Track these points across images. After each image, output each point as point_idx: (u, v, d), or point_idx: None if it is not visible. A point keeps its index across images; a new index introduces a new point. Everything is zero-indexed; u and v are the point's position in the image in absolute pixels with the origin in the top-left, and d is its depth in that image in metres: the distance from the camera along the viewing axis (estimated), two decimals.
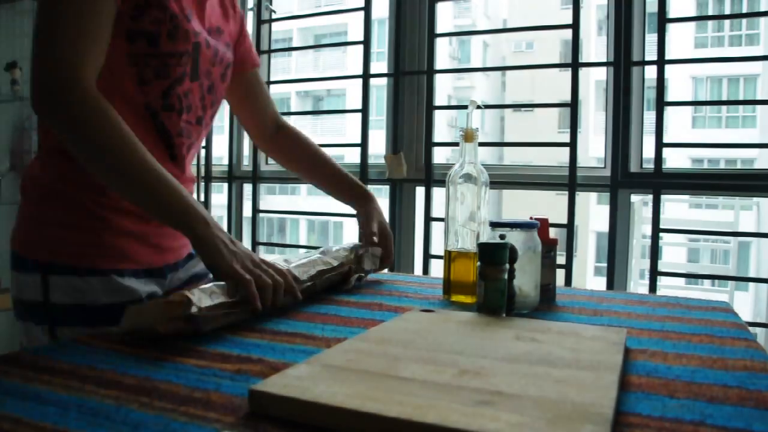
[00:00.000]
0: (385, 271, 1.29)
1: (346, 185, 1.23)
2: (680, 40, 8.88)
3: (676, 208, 7.88)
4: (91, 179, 0.89)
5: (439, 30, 2.09)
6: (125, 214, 0.93)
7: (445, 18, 9.68)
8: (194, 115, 0.99)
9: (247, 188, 2.55)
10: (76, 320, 0.87)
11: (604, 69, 1.88)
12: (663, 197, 1.81)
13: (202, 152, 2.47)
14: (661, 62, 1.75)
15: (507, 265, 0.83)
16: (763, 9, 3.39)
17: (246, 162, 2.55)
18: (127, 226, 0.93)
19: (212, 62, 0.99)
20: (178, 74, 0.92)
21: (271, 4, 2.43)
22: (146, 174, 0.82)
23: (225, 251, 0.81)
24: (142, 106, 0.91)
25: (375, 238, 1.13)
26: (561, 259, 1.86)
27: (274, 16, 2.43)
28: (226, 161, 2.55)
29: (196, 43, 0.94)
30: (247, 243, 2.56)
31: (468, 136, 1.02)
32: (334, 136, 10.97)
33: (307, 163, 1.26)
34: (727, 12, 9.90)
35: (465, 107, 1.06)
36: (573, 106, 1.87)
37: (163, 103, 0.92)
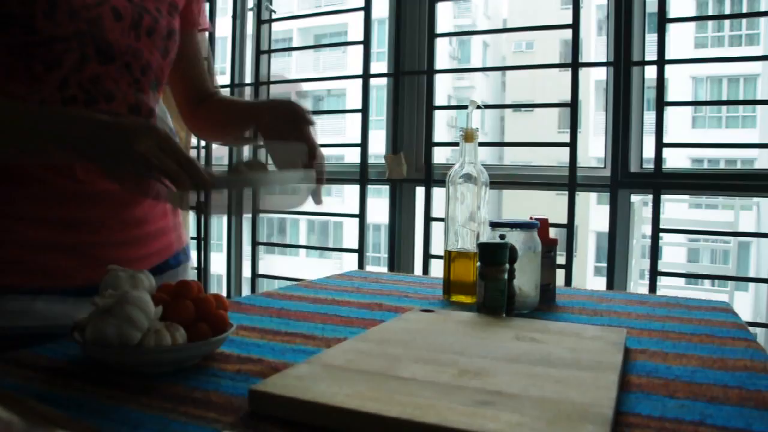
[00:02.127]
0: (385, 270, 1.28)
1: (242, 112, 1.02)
2: (680, 40, 8.88)
3: (676, 208, 7.88)
4: None
5: (439, 30, 2.09)
6: (44, 225, 0.78)
7: (445, 18, 9.68)
8: (124, 104, 0.82)
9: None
10: None
11: (604, 69, 1.88)
12: (663, 197, 1.81)
13: (202, 152, 2.47)
14: (661, 62, 1.75)
15: (507, 265, 0.83)
16: (763, 9, 3.39)
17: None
18: (45, 237, 0.78)
19: (135, 35, 0.81)
20: (73, 60, 0.75)
21: (271, 4, 2.43)
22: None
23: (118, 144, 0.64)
24: (36, 102, 0.75)
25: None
26: (561, 259, 1.86)
27: (274, 16, 2.43)
28: (226, 161, 2.55)
29: (94, 18, 0.76)
30: (247, 243, 2.56)
31: (468, 136, 1.02)
32: (334, 136, 10.97)
33: (211, 124, 1.05)
34: (727, 12, 9.90)
35: (465, 107, 1.06)
36: (573, 106, 1.87)
37: (62, 96, 0.76)
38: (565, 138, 1.87)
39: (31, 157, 0.74)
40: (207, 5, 1.03)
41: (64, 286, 0.79)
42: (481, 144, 1.07)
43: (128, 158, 0.64)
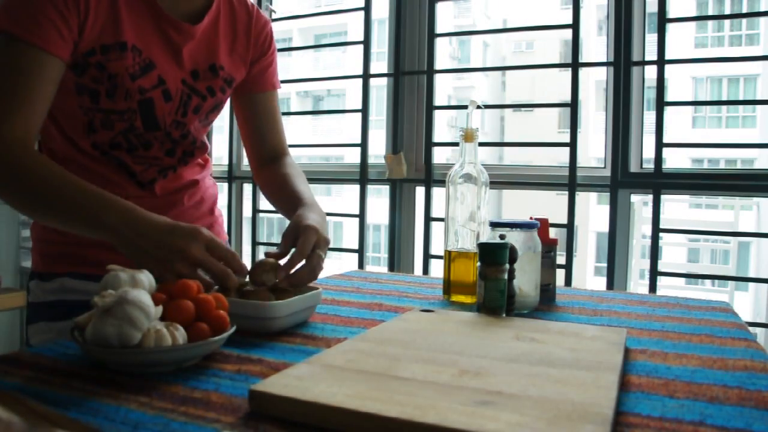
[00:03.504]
0: (385, 270, 1.28)
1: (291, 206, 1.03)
2: (680, 40, 8.89)
3: (676, 208, 7.88)
4: None
5: (439, 30, 2.09)
6: None
7: (445, 18, 9.68)
8: (160, 150, 0.99)
9: (247, 188, 2.55)
10: (39, 317, 0.98)
11: (604, 69, 1.88)
12: (663, 197, 1.81)
13: None
14: (661, 62, 1.75)
15: (507, 265, 0.83)
16: (763, 9, 3.39)
17: (246, 162, 2.55)
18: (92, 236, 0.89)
19: (181, 112, 0.98)
20: (124, 128, 0.95)
21: (271, 4, 2.43)
22: (58, 210, 0.82)
23: (145, 260, 0.76)
24: (90, 146, 0.96)
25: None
26: (561, 259, 1.86)
27: (274, 16, 2.43)
28: (226, 161, 2.55)
29: (145, 100, 0.94)
30: (247, 243, 2.56)
31: (468, 136, 1.02)
32: (334, 136, 10.97)
33: (276, 198, 1.11)
34: (727, 12, 9.90)
35: (465, 107, 1.06)
36: (573, 106, 1.87)
37: (110, 143, 0.96)
38: (565, 138, 1.87)
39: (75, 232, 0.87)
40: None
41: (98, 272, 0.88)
42: (481, 144, 1.07)
43: (182, 260, 0.74)
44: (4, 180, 0.83)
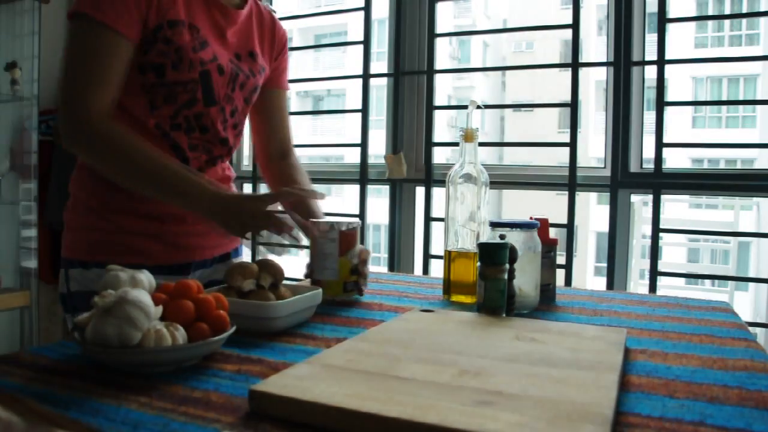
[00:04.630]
0: (385, 270, 1.29)
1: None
2: (680, 40, 8.88)
3: (676, 208, 7.87)
4: (99, 186, 1.02)
5: (439, 30, 2.09)
6: (137, 217, 1.03)
7: (445, 18, 9.68)
8: (214, 136, 1.07)
9: (247, 188, 2.55)
10: (86, 306, 0.93)
11: (604, 69, 1.88)
12: (663, 197, 1.81)
13: None
14: (661, 62, 1.75)
15: (507, 265, 0.83)
16: (763, 9, 3.39)
17: (246, 162, 2.55)
18: (137, 226, 1.03)
19: (231, 87, 1.07)
20: (185, 100, 1.02)
21: (271, 4, 2.43)
22: (153, 177, 0.94)
23: (225, 225, 0.93)
24: (153, 126, 1.01)
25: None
26: (561, 259, 1.86)
27: None
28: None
29: (205, 71, 1.02)
30: (246, 243, 2.56)
31: (468, 136, 1.02)
32: (334, 136, 10.96)
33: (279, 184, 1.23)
34: (727, 12, 9.89)
35: (465, 107, 1.06)
36: (573, 106, 1.87)
37: (171, 123, 1.02)
38: (565, 138, 1.87)
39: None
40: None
41: (152, 263, 0.95)
42: (481, 144, 1.07)
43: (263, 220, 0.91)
44: (99, 150, 0.93)
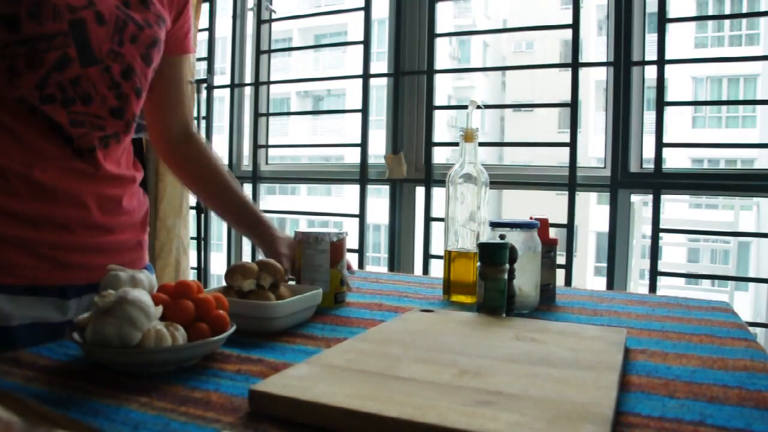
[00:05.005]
0: (385, 270, 1.29)
1: (243, 215, 1.07)
2: (680, 40, 8.88)
3: (676, 208, 7.88)
4: None
5: (439, 30, 2.09)
6: (4, 217, 0.78)
7: (445, 18, 9.68)
8: (102, 106, 0.83)
9: (247, 188, 2.55)
10: None
11: (604, 69, 1.88)
12: (663, 197, 1.81)
13: None
14: (661, 62, 1.75)
15: (507, 265, 0.83)
16: (763, 9, 3.39)
17: (246, 162, 2.55)
18: (3, 231, 0.78)
19: (118, 40, 0.82)
20: (54, 60, 0.77)
21: (271, 4, 2.43)
22: None
23: None
24: (12, 100, 0.77)
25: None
26: (561, 259, 1.85)
27: (274, 16, 2.43)
28: (226, 161, 2.55)
29: (77, 20, 0.78)
30: (247, 243, 2.56)
31: (468, 136, 1.02)
32: (334, 136, 10.97)
33: (206, 187, 1.08)
34: (727, 12, 9.90)
35: (465, 107, 1.06)
36: (573, 106, 1.87)
37: (40, 94, 0.77)
38: (565, 138, 1.87)
39: None
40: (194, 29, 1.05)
41: (16, 283, 0.78)
42: (481, 144, 1.07)
43: None
44: None
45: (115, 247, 0.89)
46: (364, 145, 2.18)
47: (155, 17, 0.88)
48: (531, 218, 0.99)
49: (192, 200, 2.43)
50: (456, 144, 1.07)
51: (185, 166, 1.06)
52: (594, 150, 8.39)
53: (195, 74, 2.38)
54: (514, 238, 0.91)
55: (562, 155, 1.87)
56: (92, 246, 0.85)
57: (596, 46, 10.30)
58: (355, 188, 2.22)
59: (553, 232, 1.06)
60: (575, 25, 1.85)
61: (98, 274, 0.73)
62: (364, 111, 2.18)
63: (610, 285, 1.84)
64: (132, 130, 0.90)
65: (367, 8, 2.16)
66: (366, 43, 2.18)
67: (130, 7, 0.84)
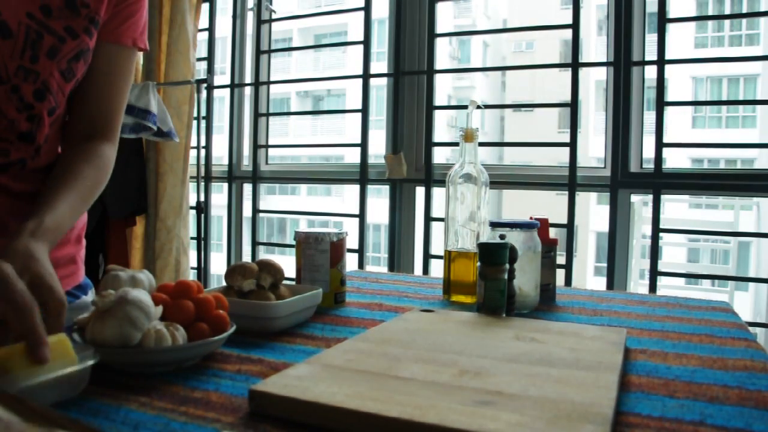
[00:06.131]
0: (385, 270, 1.28)
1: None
2: (680, 40, 8.88)
3: (676, 208, 7.88)
4: None
5: (439, 30, 2.09)
6: None
7: (445, 18, 9.68)
8: (12, 131, 0.74)
9: (247, 188, 2.55)
10: None
11: (604, 69, 1.88)
12: (663, 197, 1.81)
13: (202, 152, 2.47)
14: (661, 62, 1.75)
15: (507, 265, 0.83)
16: (763, 9, 3.39)
17: (246, 162, 2.56)
18: None
19: (30, 56, 0.72)
20: None
21: (271, 4, 2.43)
22: None
23: None
24: None
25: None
26: (561, 259, 1.86)
27: (274, 16, 2.43)
28: (226, 161, 2.55)
29: None
30: (247, 243, 2.56)
31: (468, 136, 1.02)
32: (334, 136, 10.97)
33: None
34: (727, 12, 9.90)
35: (465, 107, 1.06)
36: (573, 106, 1.87)
37: None
38: (565, 138, 1.87)
39: None
40: (145, 22, 0.88)
41: None
42: (481, 144, 1.07)
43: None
44: None
45: (56, 258, 0.75)
46: (364, 145, 2.18)
47: (85, 23, 0.76)
48: (531, 218, 0.99)
49: (192, 200, 2.44)
50: (456, 144, 1.07)
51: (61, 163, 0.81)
52: (594, 150, 8.40)
53: (195, 74, 2.38)
54: (514, 238, 0.91)
55: (562, 155, 1.87)
56: None
57: (596, 46, 10.31)
58: (355, 188, 2.22)
59: (553, 232, 1.06)
60: (575, 25, 1.85)
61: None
62: (364, 111, 2.18)
63: (610, 285, 1.84)
64: (42, 154, 0.78)
65: (367, 8, 2.16)
66: (366, 43, 2.18)
67: (50, 14, 0.73)
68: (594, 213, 9.99)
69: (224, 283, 0.84)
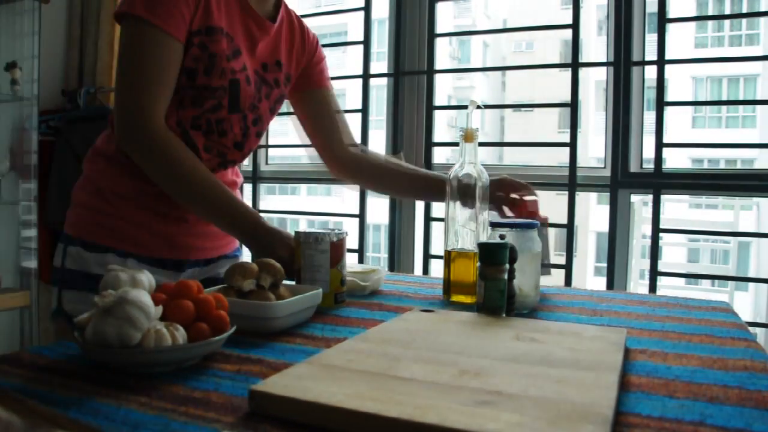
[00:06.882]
0: (385, 270, 1.29)
1: (422, 183, 1.25)
2: (680, 40, 8.88)
3: (676, 208, 7.87)
4: (112, 171, 1.06)
5: (439, 30, 2.09)
6: (141, 209, 1.06)
7: (445, 18, 9.67)
8: (231, 141, 1.09)
9: (247, 188, 2.55)
10: (77, 285, 1.05)
11: (604, 69, 1.88)
12: (663, 197, 1.81)
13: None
14: (661, 62, 1.75)
15: (507, 265, 0.83)
16: (763, 9, 3.40)
17: (246, 162, 2.55)
18: (139, 217, 1.06)
19: (257, 97, 1.09)
20: (211, 105, 1.04)
21: None
22: (204, 199, 0.99)
23: (254, 252, 0.99)
24: (174, 123, 1.03)
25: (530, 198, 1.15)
26: (561, 260, 1.86)
27: None
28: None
29: (234, 80, 1.04)
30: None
31: (468, 136, 1.02)
32: None
33: (380, 179, 1.30)
34: (727, 12, 9.90)
35: (465, 107, 1.06)
36: (573, 106, 1.87)
37: (192, 123, 1.04)
38: (565, 138, 1.87)
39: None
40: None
41: (149, 255, 1.07)
42: (481, 144, 1.07)
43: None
44: (155, 160, 0.97)
45: (219, 233, 1.13)
46: (364, 145, 2.17)
47: (283, 77, 1.15)
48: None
49: None
50: (456, 144, 1.07)
51: (354, 174, 1.29)
52: (594, 150, 8.39)
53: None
54: (514, 238, 0.91)
55: (562, 155, 1.87)
56: (201, 232, 1.12)
57: (596, 46, 10.30)
58: (355, 188, 2.21)
59: (553, 232, 1.06)
60: (575, 25, 1.85)
61: (205, 254, 1.15)
62: (364, 111, 2.18)
63: (610, 285, 1.83)
64: (244, 159, 1.20)
65: (367, 8, 2.16)
66: (366, 43, 2.18)
67: (267, 69, 1.12)
68: (594, 213, 9.99)
69: (224, 283, 0.84)
